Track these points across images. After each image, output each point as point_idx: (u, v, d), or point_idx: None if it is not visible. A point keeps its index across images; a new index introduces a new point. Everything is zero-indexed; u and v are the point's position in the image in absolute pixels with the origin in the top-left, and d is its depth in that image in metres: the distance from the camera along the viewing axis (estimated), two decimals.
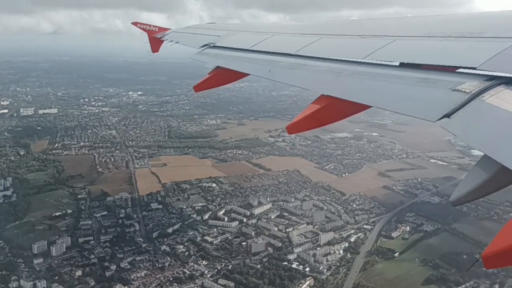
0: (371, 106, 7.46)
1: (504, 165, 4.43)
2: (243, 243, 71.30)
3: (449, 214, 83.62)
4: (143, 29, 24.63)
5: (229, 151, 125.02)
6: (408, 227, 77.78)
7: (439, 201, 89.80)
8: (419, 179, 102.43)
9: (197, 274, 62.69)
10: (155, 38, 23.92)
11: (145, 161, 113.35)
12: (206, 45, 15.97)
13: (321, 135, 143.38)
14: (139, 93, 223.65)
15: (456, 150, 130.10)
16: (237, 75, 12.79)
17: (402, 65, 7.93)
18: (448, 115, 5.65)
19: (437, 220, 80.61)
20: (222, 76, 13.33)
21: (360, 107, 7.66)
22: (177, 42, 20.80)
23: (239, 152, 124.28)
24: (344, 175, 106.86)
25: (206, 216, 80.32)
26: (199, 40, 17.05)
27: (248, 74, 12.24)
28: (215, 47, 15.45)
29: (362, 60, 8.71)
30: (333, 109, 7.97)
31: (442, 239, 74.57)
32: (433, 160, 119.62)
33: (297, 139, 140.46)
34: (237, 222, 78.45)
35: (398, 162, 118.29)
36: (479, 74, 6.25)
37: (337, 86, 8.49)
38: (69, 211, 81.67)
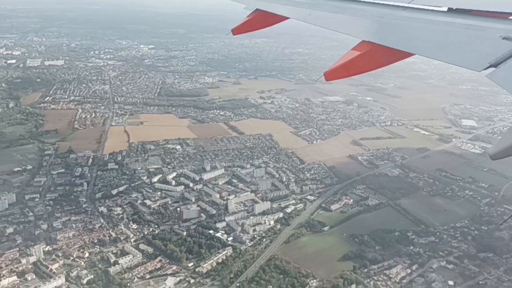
0: (413, 54, 7.39)
1: None
2: (178, 209, 72.52)
3: (401, 188, 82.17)
4: None
5: (212, 111, 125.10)
6: (351, 200, 76.86)
7: (397, 174, 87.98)
8: (390, 149, 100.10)
9: (122, 238, 64.59)
10: None
11: (124, 118, 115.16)
12: None
13: (312, 98, 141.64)
14: (150, 46, 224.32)
15: (446, 119, 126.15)
16: (276, 19, 12.77)
17: (451, 11, 7.68)
18: (495, 65, 5.44)
19: (385, 194, 79.24)
20: (261, 19, 13.30)
21: (402, 55, 7.56)
22: None
23: (222, 113, 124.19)
24: (315, 141, 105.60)
25: (155, 179, 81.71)
26: None
27: (287, 18, 12.12)
28: None
29: (408, 5, 8.46)
30: (373, 56, 7.82)
31: (380, 215, 73.42)
32: (417, 129, 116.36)
33: (287, 101, 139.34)
34: (182, 187, 79.55)
35: (379, 129, 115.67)
36: None
37: (380, 31, 8.31)
38: (29, 167, 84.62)
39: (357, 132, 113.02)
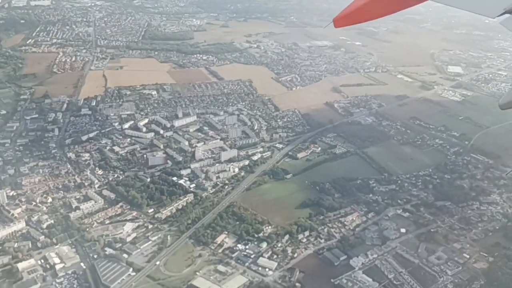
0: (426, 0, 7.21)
1: None
2: (145, 156, 73.24)
3: (371, 136, 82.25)
4: None
5: (194, 56, 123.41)
6: (319, 148, 77.23)
7: (370, 122, 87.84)
8: (368, 96, 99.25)
9: (86, 184, 65.71)
10: None
11: (105, 62, 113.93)
12: None
13: (300, 42, 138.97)
14: None
15: (433, 66, 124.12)
16: None
17: None
18: (510, 11, 5.26)
19: (354, 143, 79.43)
20: None
21: (415, 0, 7.51)
22: None
23: (204, 57, 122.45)
24: (295, 88, 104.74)
25: (127, 126, 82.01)
26: None
27: None
28: None
29: None
30: (385, 2, 7.57)
31: (346, 163, 74.02)
32: (400, 76, 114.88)
33: (274, 45, 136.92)
34: (153, 134, 79.94)
35: (362, 76, 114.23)
36: None
37: None
38: (3, 111, 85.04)
39: (339, 78, 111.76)
